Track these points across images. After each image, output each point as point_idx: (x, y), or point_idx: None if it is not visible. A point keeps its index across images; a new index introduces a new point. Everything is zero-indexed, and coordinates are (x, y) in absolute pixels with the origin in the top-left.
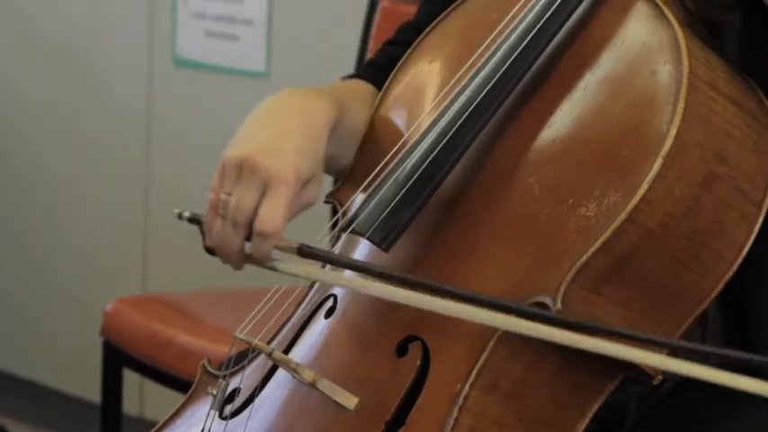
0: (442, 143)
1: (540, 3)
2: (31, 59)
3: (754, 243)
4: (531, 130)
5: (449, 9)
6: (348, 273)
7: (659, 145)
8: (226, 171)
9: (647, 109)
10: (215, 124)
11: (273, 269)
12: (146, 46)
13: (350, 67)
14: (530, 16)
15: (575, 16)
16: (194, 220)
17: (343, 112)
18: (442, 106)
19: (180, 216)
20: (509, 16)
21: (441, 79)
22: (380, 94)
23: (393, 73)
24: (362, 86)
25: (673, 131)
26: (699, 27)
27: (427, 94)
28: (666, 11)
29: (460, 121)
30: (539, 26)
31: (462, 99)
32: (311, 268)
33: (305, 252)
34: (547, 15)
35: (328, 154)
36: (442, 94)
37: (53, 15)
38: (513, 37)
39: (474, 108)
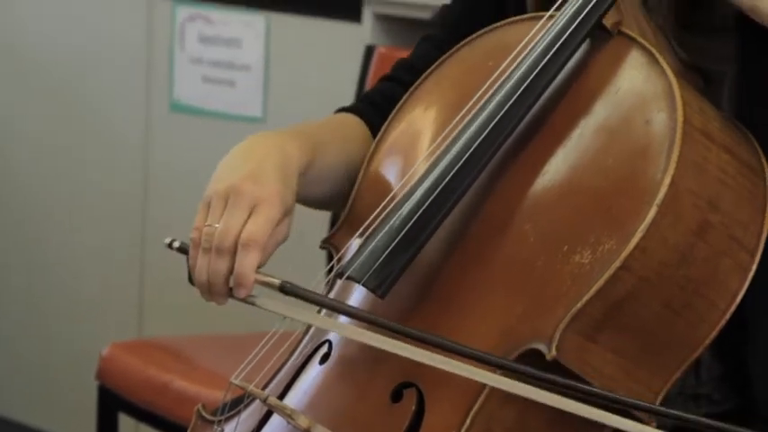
0: (437, 191)
1: (537, 51)
2: (27, 102)
3: (750, 291)
4: (526, 177)
5: (445, 56)
6: (344, 319)
7: (654, 193)
8: (212, 203)
9: (642, 157)
10: (212, 169)
11: (253, 305)
12: (143, 91)
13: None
14: (526, 64)
15: (570, 64)
16: (183, 249)
17: (314, 156)
18: (437, 154)
19: (170, 245)
20: (505, 63)
21: (436, 126)
22: (376, 140)
23: (389, 119)
24: (352, 122)
25: (667, 180)
26: (693, 76)
27: (423, 141)
28: (661, 59)
29: (455, 169)
30: (534, 74)
31: (457, 147)
32: (295, 309)
33: (287, 290)
34: (543, 63)
35: (297, 195)
36: (437, 142)
37: (52, 60)
38: (509, 84)
39: (469, 156)
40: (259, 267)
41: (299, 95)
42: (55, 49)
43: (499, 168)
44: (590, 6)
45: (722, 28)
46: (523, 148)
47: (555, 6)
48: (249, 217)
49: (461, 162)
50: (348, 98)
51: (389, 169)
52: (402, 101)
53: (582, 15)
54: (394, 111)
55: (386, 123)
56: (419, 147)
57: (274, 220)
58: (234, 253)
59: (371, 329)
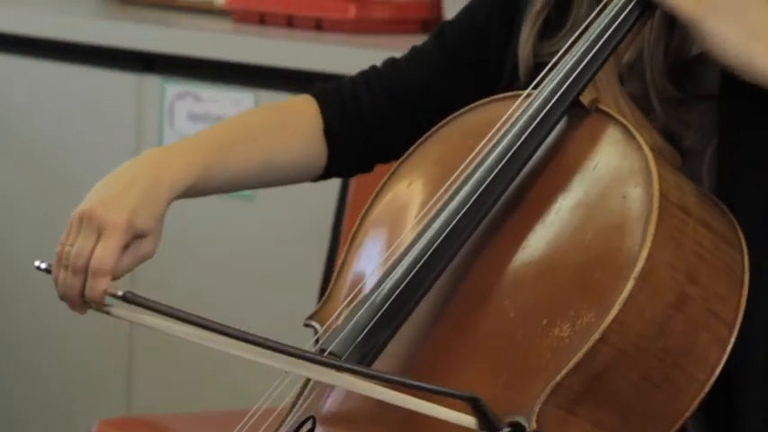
0: (418, 267)
1: (516, 128)
2: (12, 175)
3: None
4: (505, 252)
5: (426, 134)
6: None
7: (631, 267)
8: (72, 225)
9: (619, 232)
10: (202, 246)
11: (108, 314)
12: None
13: (333, 189)
14: (505, 141)
15: (548, 140)
16: (49, 270)
17: (209, 169)
18: (419, 230)
19: (38, 267)
20: (484, 141)
21: (418, 203)
22: (361, 215)
23: (373, 195)
24: (299, 106)
25: (644, 253)
26: (672, 151)
27: (404, 218)
28: (637, 136)
29: (435, 245)
30: (513, 150)
31: (438, 223)
32: (146, 317)
33: (129, 299)
34: (521, 140)
35: (212, 190)
36: (418, 218)
37: (40, 134)
38: (489, 161)
39: (449, 232)
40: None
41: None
42: (43, 124)
43: (479, 243)
44: (567, 84)
45: (705, 96)
46: (503, 224)
47: (533, 85)
48: (99, 241)
49: (441, 238)
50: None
51: (372, 245)
52: (386, 178)
53: (559, 93)
54: (378, 188)
55: (370, 199)
56: (401, 223)
57: (119, 246)
58: (85, 271)
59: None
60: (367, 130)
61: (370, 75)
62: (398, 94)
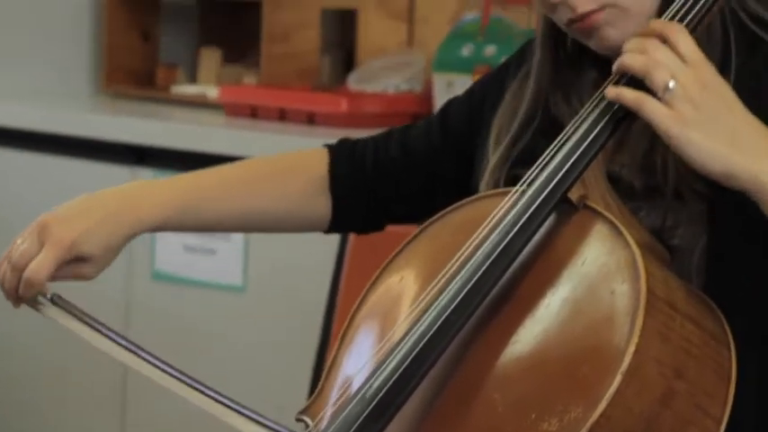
0: (408, 362)
1: (504, 224)
2: None
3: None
4: (495, 347)
5: (416, 231)
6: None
7: (618, 362)
8: (31, 228)
9: (607, 327)
10: (192, 337)
11: (40, 312)
12: (124, 260)
13: (325, 280)
14: (494, 237)
15: (537, 237)
16: None
17: (186, 211)
18: (409, 325)
19: None
20: (474, 237)
21: (408, 298)
22: (351, 311)
23: (364, 291)
24: (308, 158)
25: (631, 349)
26: (660, 248)
27: (395, 313)
28: (625, 232)
29: (425, 340)
30: (503, 246)
31: (428, 319)
32: (73, 322)
33: (55, 302)
34: (511, 236)
35: (189, 229)
36: (409, 313)
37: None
38: (478, 257)
39: (439, 327)
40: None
41: (277, 265)
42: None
43: (469, 337)
44: (555, 181)
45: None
46: (493, 318)
47: (521, 181)
48: (41, 251)
49: (431, 333)
50: (327, 272)
51: (363, 339)
52: (377, 273)
53: (548, 190)
54: (368, 283)
55: (360, 295)
56: (392, 318)
57: (55, 261)
58: (22, 271)
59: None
60: (369, 187)
61: (382, 138)
62: (399, 161)
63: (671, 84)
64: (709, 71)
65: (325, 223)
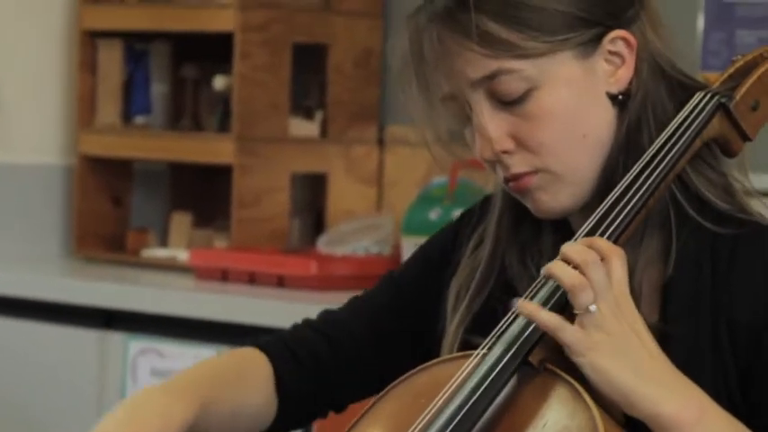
0: None
1: (467, 387)
2: None
3: None
4: None
5: (381, 393)
6: None
7: None
8: None
9: None
10: None
11: None
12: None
13: None
14: (456, 400)
15: (499, 399)
16: None
17: (201, 411)
18: None
19: None
20: (436, 400)
21: None
22: None
23: None
24: (254, 362)
25: None
26: (618, 409)
27: None
28: (585, 394)
29: None
30: (465, 409)
31: None
32: None
33: None
34: (473, 399)
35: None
36: None
37: (1, 399)
38: (441, 421)
39: None
40: None
41: None
42: (5, 381)
43: None
44: (517, 345)
45: None
46: None
47: (483, 345)
48: None
49: None
50: None
51: None
52: None
53: (509, 354)
54: None
55: None
56: None
57: None
58: None
59: None
60: (325, 386)
61: (313, 325)
62: (344, 351)
63: (592, 307)
64: (628, 303)
65: (269, 423)
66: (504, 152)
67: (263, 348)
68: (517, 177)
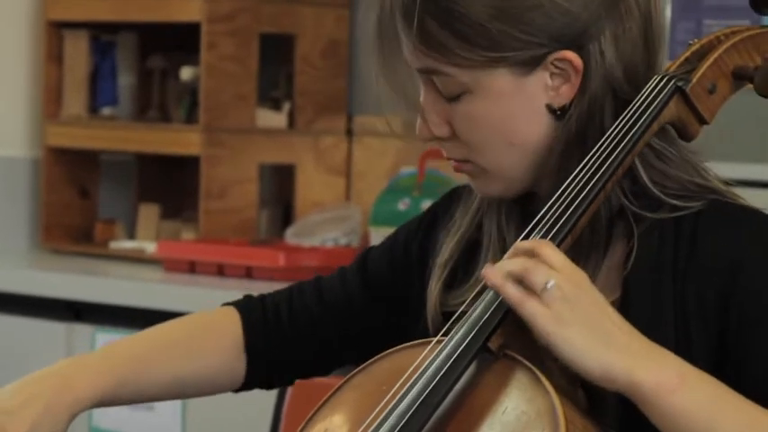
0: None
1: (427, 374)
2: None
3: None
4: None
5: (341, 382)
6: None
7: None
8: None
9: None
10: None
11: None
12: None
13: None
14: (416, 387)
15: (459, 385)
16: None
17: (122, 383)
18: None
19: None
20: (396, 386)
21: None
22: None
23: None
24: (218, 320)
25: None
26: (578, 394)
27: None
28: (544, 380)
29: None
30: (425, 395)
31: None
32: None
33: None
34: (432, 386)
35: (124, 402)
36: None
37: None
38: (401, 407)
39: None
40: None
41: (217, 421)
42: None
43: None
44: (475, 331)
45: None
46: None
47: (442, 332)
48: None
49: None
50: (265, 424)
51: None
52: (301, 426)
53: (468, 340)
54: None
55: None
56: None
57: None
58: None
59: None
60: (286, 347)
61: (294, 291)
62: (316, 314)
63: (549, 283)
64: (581, 275)
65: (238, 384)
66: (441, 138)
67: (238, 307)
68: (455, 161)
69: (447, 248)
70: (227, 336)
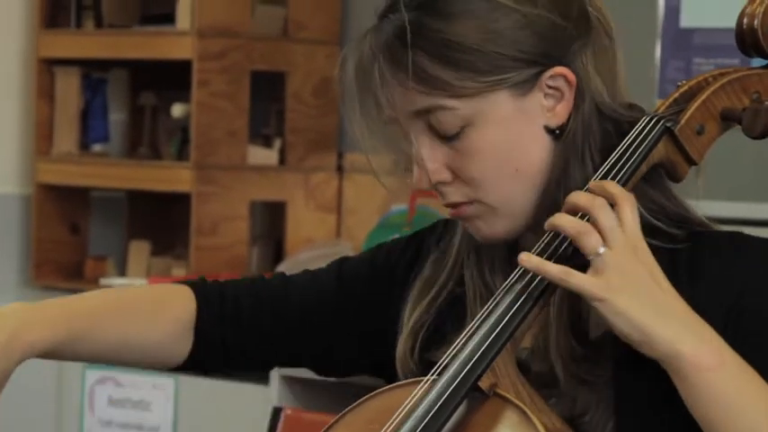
0: None
1: (417, 413)
2: None
3: None
4: None
5: (332, 421)
6: None
7: None
8: None
9: None
10: None
11: None
12: (53, 429)
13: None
14: (406, 425)
15: (449, 425)
16: None
17: (73, 337)
18: None
19: None
20: (387, 426)
21: None
22: None
23: None
24: (174, 296)
25: None
26: None
27: None
28: (534, 418)
29: None
30: None
31: None
32: None
33: None
34: (423, 425)
35: (72, 358)
36: None
37: None
38: None
39: None
40: None
41: None
42: None
43: None
44: (466, 371)
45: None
46: None
47: (433, 371)
48: None
49: None
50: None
51: None
52: None
53: (459, 379)
54: None
55: None
56: None
57: None
58: None
59: None
60: (240, 336)
61: (258, 283)
62: (282, 311)
63: (601, 249)
64: (641, 244)
65: (179, 361)
66: (441, 183)
67: (195, 288)
68: (455, 206)
69: (418, 312)
70: (179, 312)
